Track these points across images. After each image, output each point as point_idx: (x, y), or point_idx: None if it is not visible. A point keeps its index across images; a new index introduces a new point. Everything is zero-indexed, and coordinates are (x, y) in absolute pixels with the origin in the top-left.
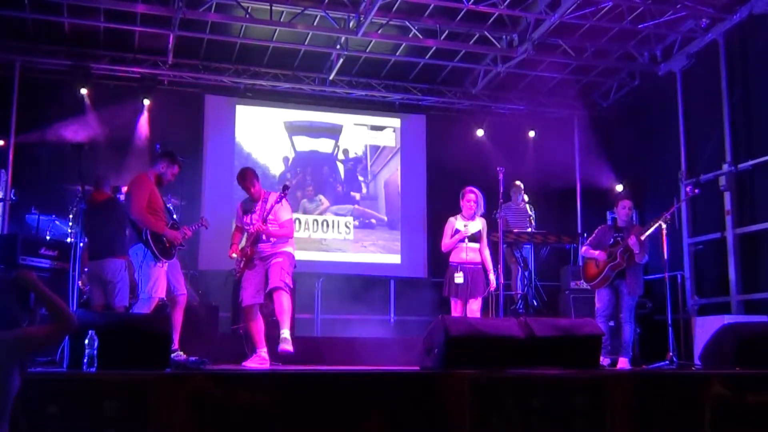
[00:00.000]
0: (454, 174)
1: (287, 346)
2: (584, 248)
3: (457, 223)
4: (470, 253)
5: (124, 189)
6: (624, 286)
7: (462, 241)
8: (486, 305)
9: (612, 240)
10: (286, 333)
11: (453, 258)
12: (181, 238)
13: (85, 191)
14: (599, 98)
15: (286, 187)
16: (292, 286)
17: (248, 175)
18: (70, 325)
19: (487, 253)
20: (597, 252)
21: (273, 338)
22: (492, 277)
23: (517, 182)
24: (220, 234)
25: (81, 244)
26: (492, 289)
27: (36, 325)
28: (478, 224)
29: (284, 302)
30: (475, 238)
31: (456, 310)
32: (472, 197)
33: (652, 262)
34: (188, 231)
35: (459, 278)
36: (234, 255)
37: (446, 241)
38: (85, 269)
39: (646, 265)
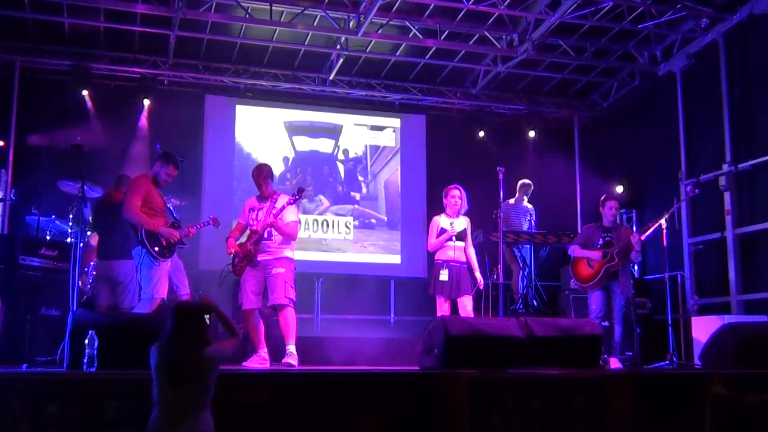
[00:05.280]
0: (454, 174)
1: (292, 360)
2: (573, 247)
3: (441, 221)
4: (456, 251)
5: None
6: (617, 287)
7: (449, 239)
8: (479, 304)
9: (601, 240)
10: (292, 348)
11: (439, 256)
12: (179, 236)
13: (84, 192)
14: (599, 98)
15: (301, 190)
16: (295, 299)
17: (265, 171)
18: (238, 337)
19: (471, 251)
20: (592, 252)
21: (273, 338)
22: (478, 275)
23: (527, 181)
24: (220, 234)
25: (81, 244)
26: (480, 286)
27: (219, 342)
28: (462, 222)
29: (289, 318)
30: (460, 236)
31: (441, 309)
32: (456, 194)
33: (653, 262)
34: (192, 229)
35: (444, 276)
36: (232, 250)
37: (432, 241)
38: (86, 269)
39: (645, 265)
